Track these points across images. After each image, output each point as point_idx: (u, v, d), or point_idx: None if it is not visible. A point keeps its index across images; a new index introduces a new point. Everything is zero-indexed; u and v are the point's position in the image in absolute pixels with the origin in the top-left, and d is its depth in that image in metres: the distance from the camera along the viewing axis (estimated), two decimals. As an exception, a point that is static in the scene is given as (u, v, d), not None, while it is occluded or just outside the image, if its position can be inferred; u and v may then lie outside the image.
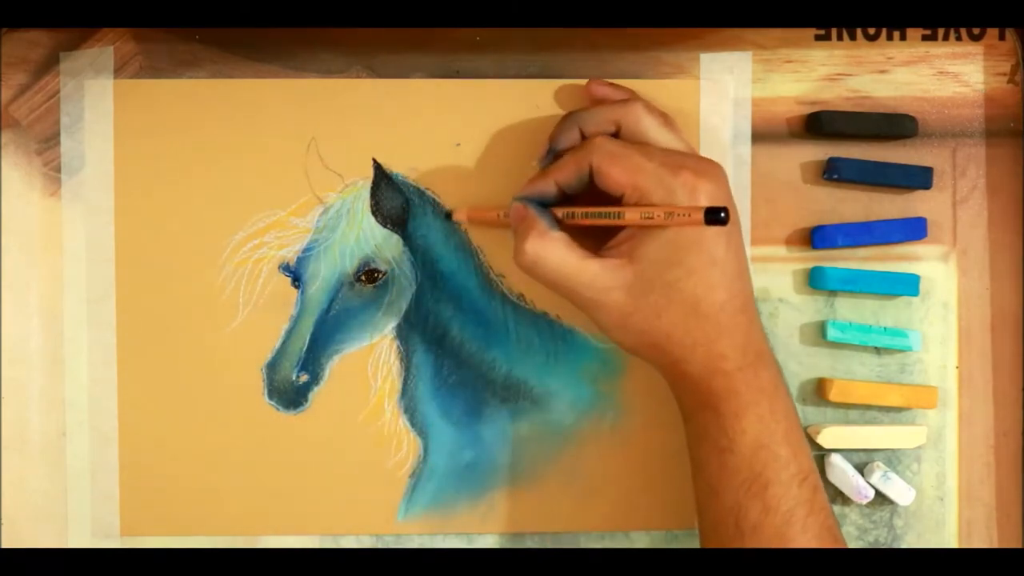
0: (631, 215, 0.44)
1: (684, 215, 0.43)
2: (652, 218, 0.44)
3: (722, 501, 0.44)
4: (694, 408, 0.46)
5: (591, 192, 0.47)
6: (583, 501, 0.52)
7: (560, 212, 0.47)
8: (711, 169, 0.45)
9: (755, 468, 0.44)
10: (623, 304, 0.45)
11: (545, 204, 0.47)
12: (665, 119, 0.47)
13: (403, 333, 0.52)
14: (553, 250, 0.45)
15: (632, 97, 0.48)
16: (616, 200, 0.46)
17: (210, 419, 0.52)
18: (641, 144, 0.46)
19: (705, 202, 0.44)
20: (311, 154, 0.52)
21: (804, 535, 0.43)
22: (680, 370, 0.46)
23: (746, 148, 0.52)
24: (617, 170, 0.45)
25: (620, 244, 0.45)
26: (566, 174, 0.46)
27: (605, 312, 0.45)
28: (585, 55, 0.52)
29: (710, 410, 0.45)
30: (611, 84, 0.50)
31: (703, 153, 0.52)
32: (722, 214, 0.42)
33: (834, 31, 0.53)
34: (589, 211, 0.46)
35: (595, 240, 0.46)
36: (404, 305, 0.52)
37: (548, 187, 0.47)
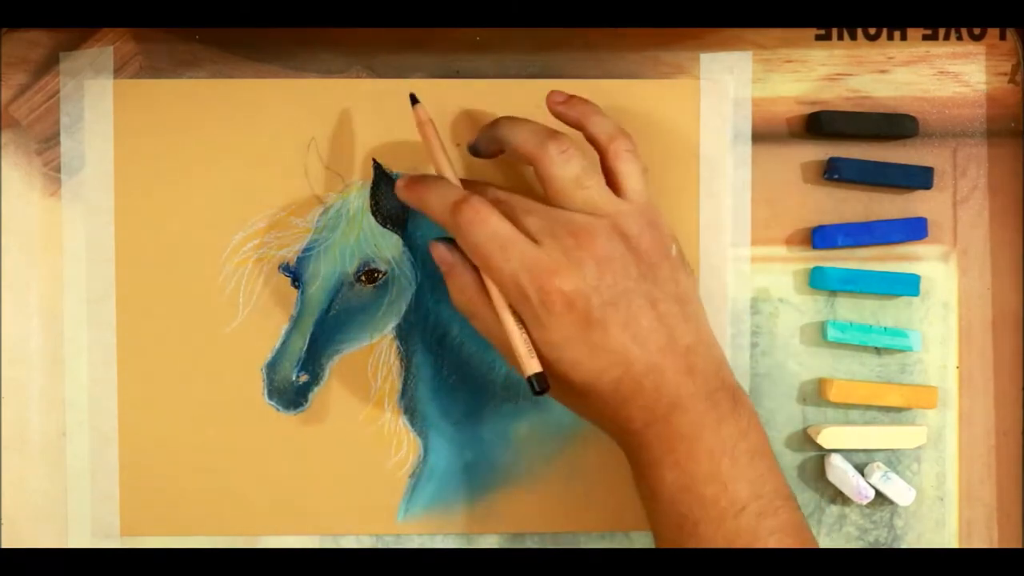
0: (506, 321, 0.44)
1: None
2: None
3: (662, 540, 0.45)
4: (625, 454, 0.46)
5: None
6: (583, 501, 0.52)
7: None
8: (580, 249, 0.43)
9: (680, 510, 0.43)
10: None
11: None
12: (578, 178, 0.44)
13: (403, 333, 0.52)
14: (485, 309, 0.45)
15: (555, 136, 0.45)
16: None
17: (210, 419, 0.52)
18: (524, 212, 0.44)
19: (559, 304, 0.43)
20: (311, 154, 0.52)
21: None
22: (598, 426, 0.46)
23: (746, 148, 0.52)
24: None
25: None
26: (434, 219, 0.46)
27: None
28: (585, 55, 0.52)
29: (630, 460, 0.46)
30: (567, 102, 0.47)
31: (703, 154, 0.52)
32: (538, 385, 0.43)
33: (834, 31, 0.53)
34: None
35: None
36: (404, 305, 0.52)
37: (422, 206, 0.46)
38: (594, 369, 0.43)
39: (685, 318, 0.45)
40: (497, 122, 0.47)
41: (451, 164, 0.47)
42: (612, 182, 0.46)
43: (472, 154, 0.49)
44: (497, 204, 0.44)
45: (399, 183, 0.47)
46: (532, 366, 0.44)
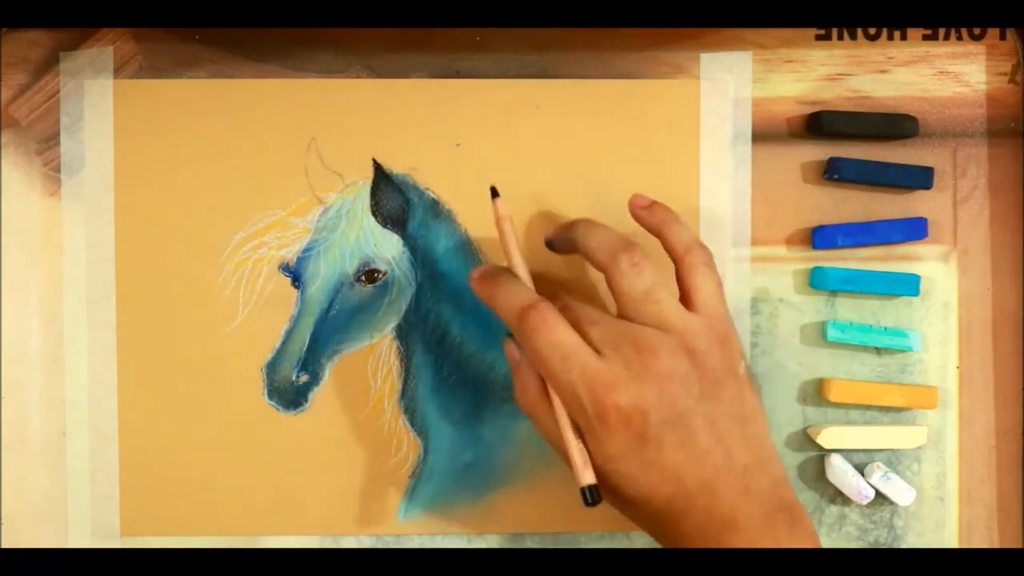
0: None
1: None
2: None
3: None
4: None
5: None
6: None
7: None
8: (642, 365, 0.43)
9: None
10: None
11: None
12: (648, 292, 0.44)
13: (403, 333, 0.52)
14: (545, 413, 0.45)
15: (628, 247, 0.45)
16: None
17: (210, 419, 0.52)
18: (589, 322, 0.44)
19: (615, 419, 0.42)
20: (311, 154, 0.52)
21: None
22: (654, 540, 0.46)
23: (746, 148, 0.52)
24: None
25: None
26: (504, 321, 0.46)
27: None
28: (585, 55, 0.52)
29: None
30: (649, 208, 0.48)
31: (703, 154, 0.52)
32: (591, 497, 0.43)
33: (834, 31, 0.53)
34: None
35: None
36: (404, 305, 0.52)
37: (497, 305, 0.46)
38: (647, 484, 0.43)
39: (744, 438, 0.44)
40: (574, 224, 0.47)
41: (524, 262, 0.47)
42: (685, 294, 0.45)
43: (548, 248, 0.49)
44: (564, 311, 0.44)
45: (472, 275, 0.47)
46: (586, 477, 0.43)
